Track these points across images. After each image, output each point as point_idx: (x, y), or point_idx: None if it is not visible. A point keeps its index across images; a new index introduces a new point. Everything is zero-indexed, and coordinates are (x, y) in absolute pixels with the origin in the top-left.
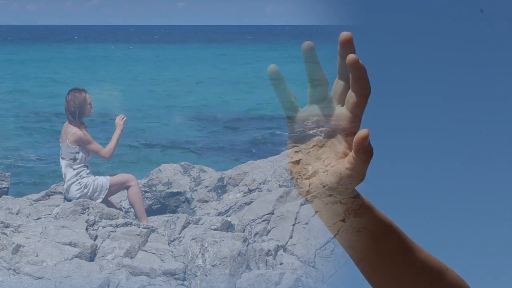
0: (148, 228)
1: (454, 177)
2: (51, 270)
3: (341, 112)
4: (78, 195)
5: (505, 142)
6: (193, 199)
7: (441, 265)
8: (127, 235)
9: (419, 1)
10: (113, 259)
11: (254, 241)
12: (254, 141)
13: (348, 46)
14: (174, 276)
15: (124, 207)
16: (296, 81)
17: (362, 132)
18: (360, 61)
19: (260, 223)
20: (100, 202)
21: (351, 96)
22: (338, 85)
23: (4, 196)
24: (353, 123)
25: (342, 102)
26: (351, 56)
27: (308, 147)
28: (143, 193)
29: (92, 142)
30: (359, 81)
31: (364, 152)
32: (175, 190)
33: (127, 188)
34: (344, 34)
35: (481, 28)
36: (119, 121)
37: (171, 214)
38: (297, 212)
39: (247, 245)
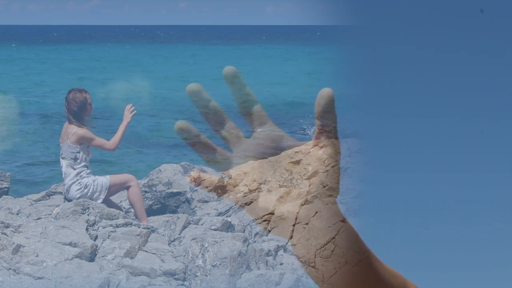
0: (148, 228)
1: (454, 177)
2: (51, 270)
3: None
4: (78, 195)
5: (505, 142)
6: (193, 199)
7: (403, 277)
8: (127, 235)
9: (419, 1)
10: (113, 259)
11: (254, 241)
12: None
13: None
14: (174, 276)
15: (124, 207)
16: (297, 80)
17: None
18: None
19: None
20: (101, 202)
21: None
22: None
23: (4, 196)
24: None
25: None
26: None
27: (308, 147)
28: (143, 193)
29: (95, 138)
30: None
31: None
32: (175, 190)
33: (127, 188)
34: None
35: (481, 28)
36: (127, 113)
37: (171, 214)
38: (297, 212)
39: (247, 245)
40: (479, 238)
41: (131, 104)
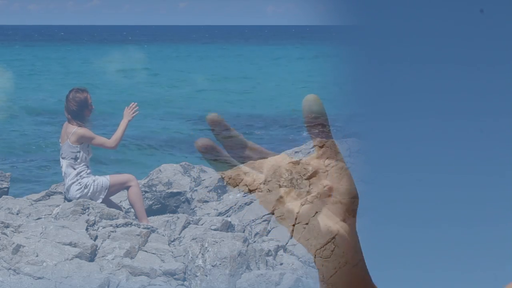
0: (148, 228)
1: (454, 177)
2: (51, 270)
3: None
4: (78, 195)
5: (506, 143)
6: (193, 199)
7: None
8: (127, 235)
9: (419, 1)
10: (113, 259)
11: (254, 241)
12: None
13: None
14: (174, 276)
15: (124, 207)
16: (297, 81)
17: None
18: None
19: (260, 223)
20: (100, 202)
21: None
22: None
23: (4, 196)
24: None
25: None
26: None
27: (308, 147)
28: (143, 193)
29: (95, 137)
30: None
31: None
32: (175, 190)
33: (127, 188)
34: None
35: (481, 28)
36: (129, 110)
37: (171, 214)
38: (297, 212)
39: (247, 245)
40: (479, 238)
41: (135, 103)
